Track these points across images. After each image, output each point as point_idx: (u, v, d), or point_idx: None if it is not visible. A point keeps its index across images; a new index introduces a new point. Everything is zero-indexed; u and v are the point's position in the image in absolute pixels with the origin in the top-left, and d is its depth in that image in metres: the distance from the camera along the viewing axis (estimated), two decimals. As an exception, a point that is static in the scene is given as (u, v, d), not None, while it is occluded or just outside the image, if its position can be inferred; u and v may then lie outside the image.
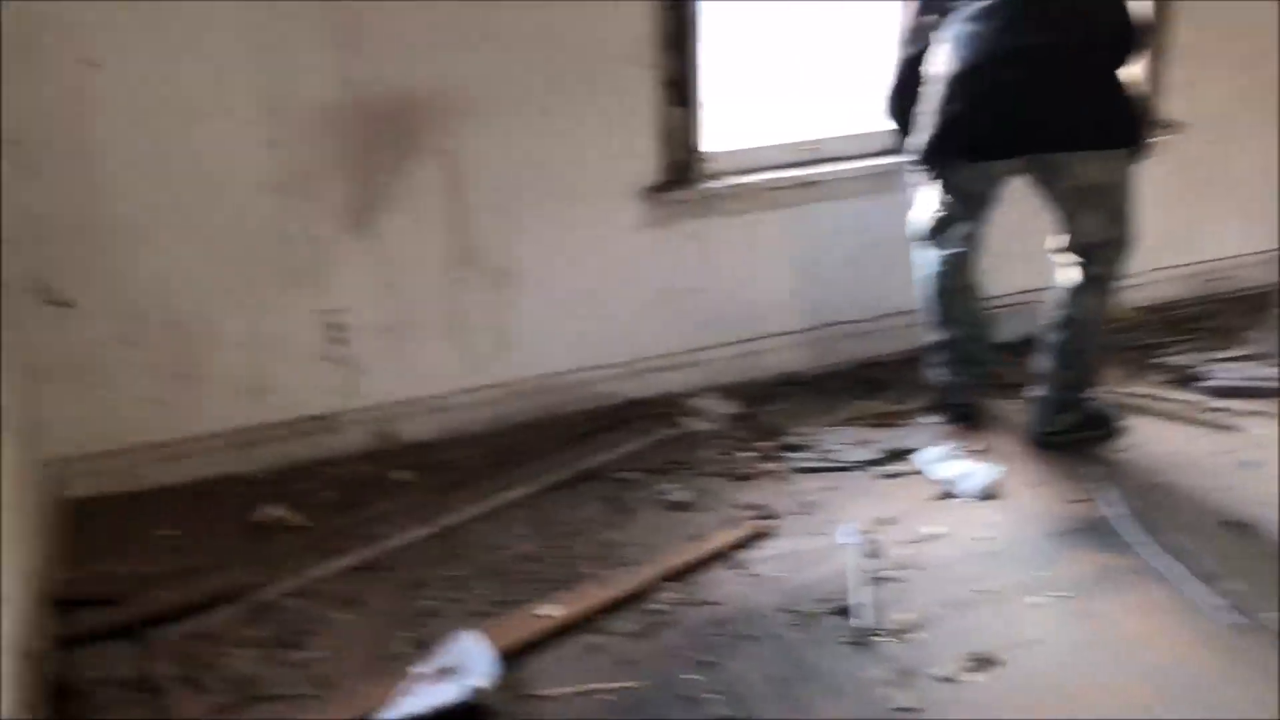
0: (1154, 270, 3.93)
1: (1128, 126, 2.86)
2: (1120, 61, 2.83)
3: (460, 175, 3.07)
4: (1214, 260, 4.04)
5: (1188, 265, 4.01)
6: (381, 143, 2.98)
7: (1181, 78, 3.73)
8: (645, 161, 3.25)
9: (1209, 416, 3.23)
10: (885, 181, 3.41)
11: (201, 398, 3.03)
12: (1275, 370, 3.42)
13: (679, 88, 3.20)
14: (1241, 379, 3.37)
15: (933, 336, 3.22)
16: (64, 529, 2.83)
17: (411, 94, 2.96)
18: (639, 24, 3.11)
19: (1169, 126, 3.75)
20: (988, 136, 2.84)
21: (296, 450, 3.14)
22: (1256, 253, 4.08)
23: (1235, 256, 4.06)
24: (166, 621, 2.50)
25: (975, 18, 2.78)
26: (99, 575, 2.68)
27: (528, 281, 3.24)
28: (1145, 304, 3.93)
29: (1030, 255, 3.49)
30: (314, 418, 3.15)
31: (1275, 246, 4.08)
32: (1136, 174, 2.97)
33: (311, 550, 2.76)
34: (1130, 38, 2.84)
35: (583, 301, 3.32)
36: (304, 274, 3.03)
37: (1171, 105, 3.76)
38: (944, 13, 2.87)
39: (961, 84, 2.79)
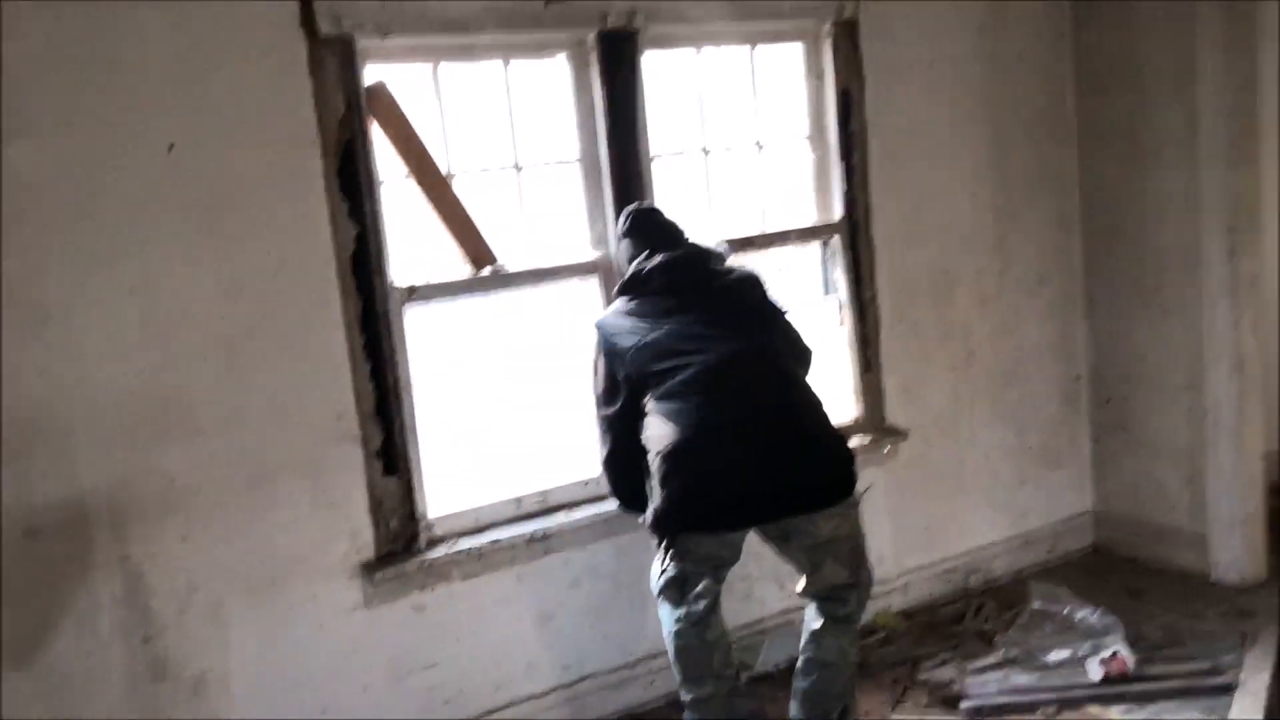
0: (909, 572, 3.94)
1: (850, 476, 2.84)
2: (821, 409, 2.87)
3: (144, 582, 2.76)
4: (962, 554, 4.07)
5: (939, 562, 4.03)
6: (47, 562, 2.65)
7: (896, 387, 3.85)
8: (359, 537, 3.03)
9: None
10: (619, 524, 3.29)
11: None
12: (1033, 678, 3.37)
13: (390, 457, 3.04)
14: (1002, 693, 3.29)
15: (685, 694, 3.02)
16: None
17: (83, 503, 2.67)
18: (340, 398, 2.97)
19: (895, 434, 3.84)
20: (717, 511, 2.76)
21: None
22: (1000, 541, 4.15)
23: (981, 547, 4.11)
24: None
25: (678, 395, 2.76)
26: None
27: (235, 685, 2.89)
28: (905, 608, 3.91)
29: (781, 576, 3.43)
30: None
31: (1015, 533, 4.17)
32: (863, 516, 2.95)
33: None
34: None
35: (301, 698, 2.98)
36: (-49, 724, 2.59)
37: (893, 414, 3.86)
38: (637, 388, 2.84)
39: (681, 460, 2.72)
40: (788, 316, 3.02)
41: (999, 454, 4.13)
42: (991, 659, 3.51)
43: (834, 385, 3.81)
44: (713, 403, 2.75)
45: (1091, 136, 4.11)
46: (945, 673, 3.47)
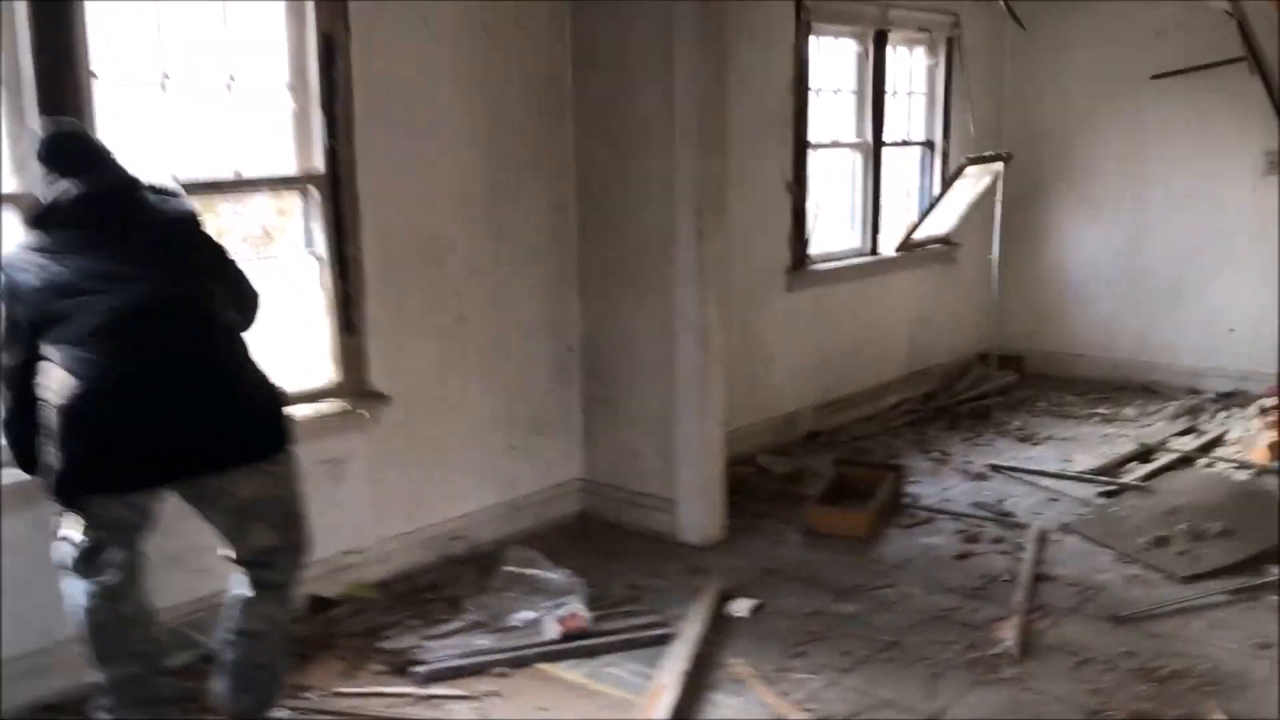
0: (390, 541, 3.86)
1: (278, 432, 2.68)
2: (249, 360, 2.68)
3: None
4: (448, 522, 4.05)
5: (422, 531, 3.98)
6: None
7: (379, 350, 3.75)
8: None
9: (416, 711, 3.07)
10: (34, 494, 2.88)
11: None
12: (493, 640, 3.39)
13: None
14: (457, 657, 3.29)
15: (99, 676, 2.71)
16: None
17: None
18: None
19: (376, 399, 3.74)
20: (121, 470, 2.50)
21: None
22: (487, 508, 4.18)
23: (468, 515, 4.12)
24: None
25: (82, 341, 2.47)
26: None
27: None
28: (382, 578, 3.82)
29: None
30: None
31: (503, 500, 4.23)
32: (300, 475, 2.79)
33: None
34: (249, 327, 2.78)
35: None
36: None
37: (376, 379, 3.75)
38: (39, 334, 2.51)
39: (82, 415, 2.44)
40: (230, 258, 2.81)
41: (488, 422, 4.16)
42: (456, 624, 3.50)
43: (312, 345, 3.64)
44: (120, 351, 2.48)
45: (585, 117, 4.25)
46: (408, 640, 3.41)
